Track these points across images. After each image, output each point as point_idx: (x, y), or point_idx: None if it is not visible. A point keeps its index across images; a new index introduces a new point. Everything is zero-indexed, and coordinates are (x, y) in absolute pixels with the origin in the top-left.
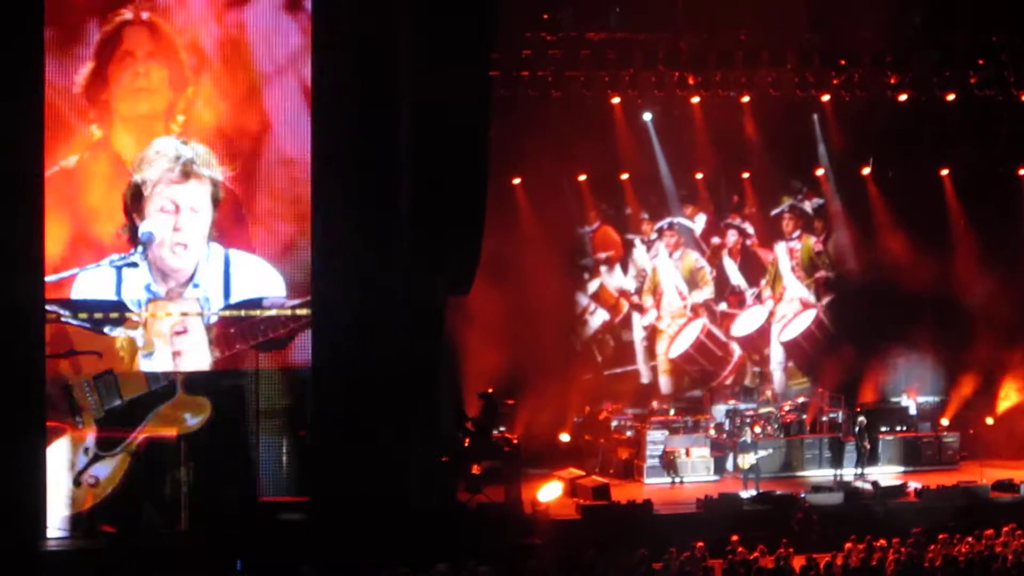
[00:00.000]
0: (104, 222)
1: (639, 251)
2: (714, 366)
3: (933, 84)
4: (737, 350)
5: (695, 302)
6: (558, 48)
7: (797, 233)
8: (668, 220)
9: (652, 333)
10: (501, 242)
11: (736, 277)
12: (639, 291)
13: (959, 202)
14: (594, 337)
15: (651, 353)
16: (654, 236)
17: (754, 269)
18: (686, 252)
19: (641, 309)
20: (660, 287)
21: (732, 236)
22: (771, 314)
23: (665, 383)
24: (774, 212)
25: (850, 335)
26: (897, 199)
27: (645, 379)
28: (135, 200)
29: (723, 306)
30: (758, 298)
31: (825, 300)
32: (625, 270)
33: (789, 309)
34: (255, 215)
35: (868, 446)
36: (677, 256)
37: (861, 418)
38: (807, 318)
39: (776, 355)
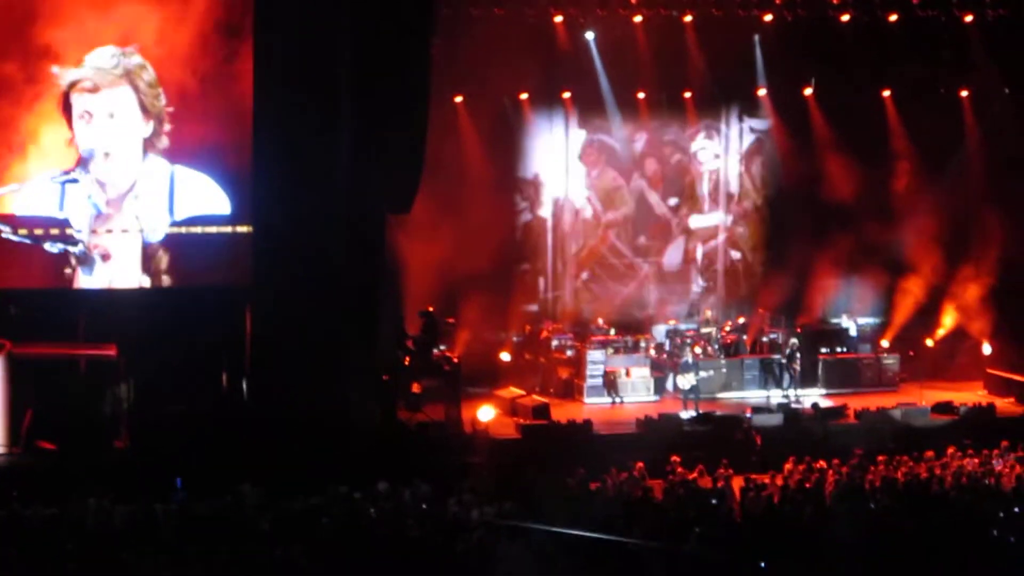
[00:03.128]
0: (49, 135)
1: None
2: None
3: (875, 4)
4: (644, 266)
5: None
6: None
7: (739, 154)
8: (591, 137)
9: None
10: (442, 160)
11: (659, 206)
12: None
13: (901, 123)
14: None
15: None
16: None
17: (684, 189)
18: (605, 170)
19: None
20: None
21: (675, 156)
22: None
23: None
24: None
25: (790, 256)
26: (839, 120)
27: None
28: (66, 110)
29: (641, 239)
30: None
31: (739, 227)
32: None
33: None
34: (199, 134)
35: (798, 368)
36: (595, 174)
37: (793, 340)
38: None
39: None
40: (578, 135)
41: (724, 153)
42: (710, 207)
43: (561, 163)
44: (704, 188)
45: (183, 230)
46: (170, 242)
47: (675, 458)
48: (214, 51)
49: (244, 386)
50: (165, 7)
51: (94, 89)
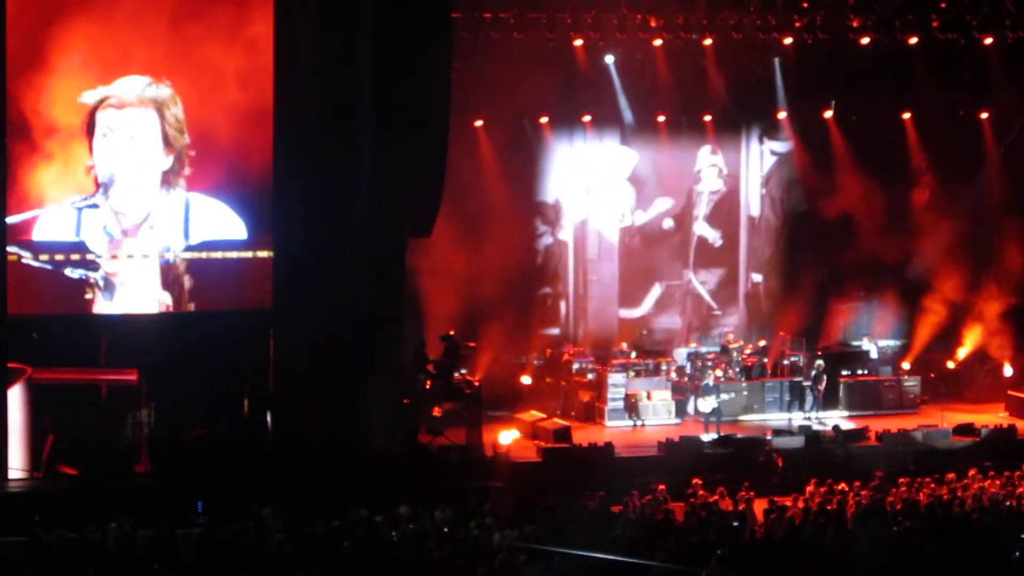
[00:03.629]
0: (70, 161)
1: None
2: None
3: (895, 27)
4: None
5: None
6: None
7: (759, 176)
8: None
9: None
10: (463, 184)
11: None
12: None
13: (921, 145)
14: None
15: None
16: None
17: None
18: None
19: None
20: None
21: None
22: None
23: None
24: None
25: (810, 278)
26: (859, 142)
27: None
28: (90, 131)
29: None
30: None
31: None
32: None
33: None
34: (216, 160)
35: (822, 390)
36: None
37: (819, 362)
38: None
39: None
40: (630, 156)
41: (745, 175)
42: (712, 224)
43: (581, 186)
44: (702, 206)
45: (202, 255)
46: (189, 267)
47: (696, 481)
48: (240, 85)
49: (265, 410)
50: (200, 46)
51: (120, 106)
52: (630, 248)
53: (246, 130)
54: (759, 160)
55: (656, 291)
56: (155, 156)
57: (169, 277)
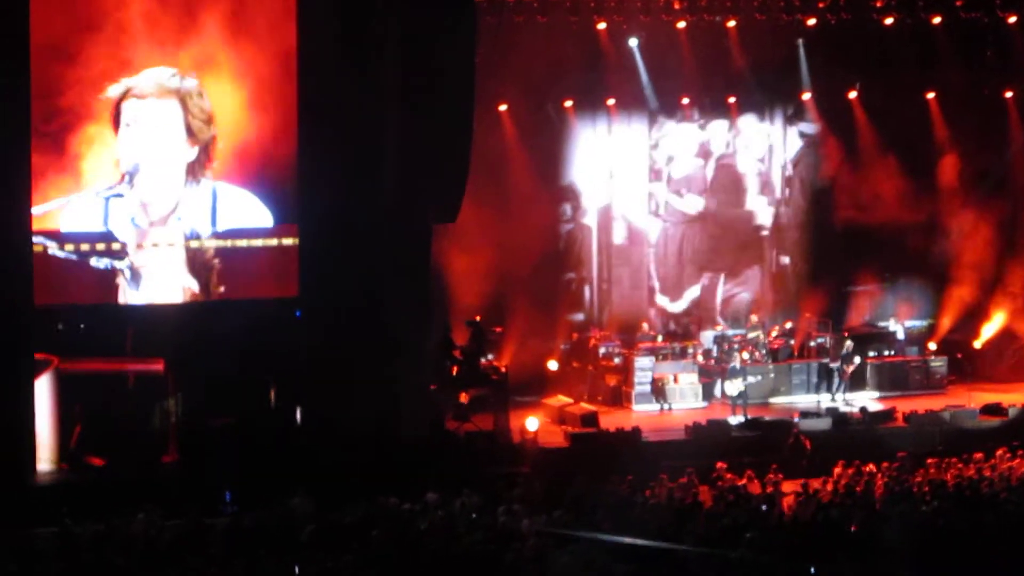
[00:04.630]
0: (96, 152)
1: None
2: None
3: (919, 7)
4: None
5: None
6: None
7: (784, 158)
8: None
9: None
10: (487, 169)
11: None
12: None
13: (945, 125)
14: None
15: None
16: None
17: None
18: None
19: None
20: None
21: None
22: None
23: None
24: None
25: (836, 260)
26: (883, 123)
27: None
28: (116, 121)
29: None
30: None
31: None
32: None
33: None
34: (243, 150)
35: (849, 372)
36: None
37: (848, 343)
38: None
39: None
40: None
41: (768, 157)
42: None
43: (605, 170)
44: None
45: (228, 243)
46: (216, 255)
47: (721, 465)
48: (268, 77)
49: (292, 398)
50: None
51: (141, 96)
52: (667, 235)
53: (271, 118)
54: (783, 142)
55: (703, 281)
56: (178, 147)
57: (196, 265)
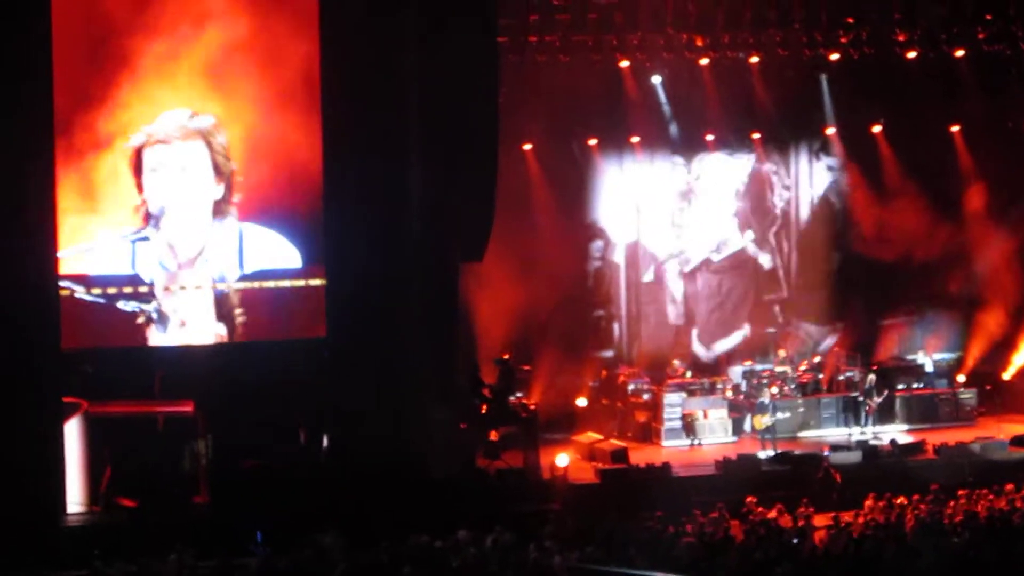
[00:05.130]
0: (120, 197)
1: None
2: None
3: (941, 40)
4: None
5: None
6: (565, 12)
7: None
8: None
9: None
10: (513, 208)
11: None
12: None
13: (970, 157)
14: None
15: None
16: None
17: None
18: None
19: None
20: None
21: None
22: None
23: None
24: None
25: (865, 294)
26: (908, 156)
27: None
28: (137, 169)
29: None
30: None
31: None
32: None
33: None
34: (267, 189)
35: (873, 406)
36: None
37: (871, 376)
38: None
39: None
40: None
41: (795, 191)
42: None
43: (632, 207)
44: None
45: (256, 285)
46: (243, 297)
47: (751, 499)
48: (286, 111)
49: (322, 438)
50: (243, 75)
51: (167, 140)
52: (707, 279)
53: (296, 157)
54: (809, 177)
55: (744, 331)
56: (207, 186)
57: (223, 308)
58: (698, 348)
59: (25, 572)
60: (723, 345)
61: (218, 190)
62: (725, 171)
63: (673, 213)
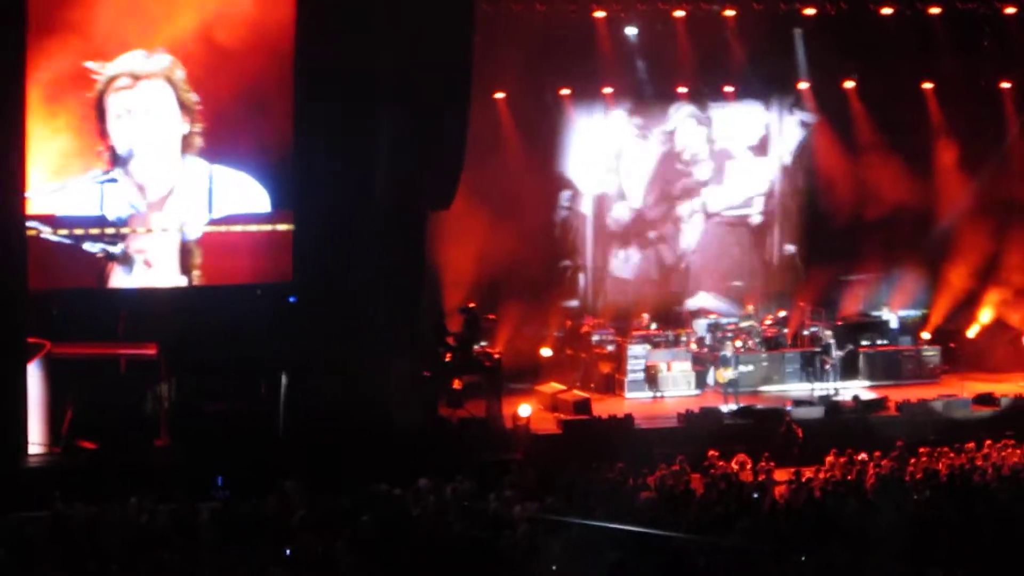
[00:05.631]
0: (85, 139)
1: None
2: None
3: None
4: None
5: None
6: None
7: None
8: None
9: None
10: (483, 157)
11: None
12: None
13: (942, 115)
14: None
15: None
16: None
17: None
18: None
19: None
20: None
21: None
22: None
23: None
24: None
25: (829, 249)
26: (880, 112)
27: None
28: (100, 114)
29: None
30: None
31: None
32: None
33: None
34: (238, 131)
35: (830, 362)
36: None
37: (827, 332)
38: None
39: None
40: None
41: (766, 145)
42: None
43: (602, 158)
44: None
45: (222, 228)
46: (209, 240)
47: (713, 453)
48: (251, 53)
49: (285, 384)
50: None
51: (131, 85)
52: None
53: (267, 101)
54: (779, 132)
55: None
56: (174, 123)
57: (190, 250)
58: (667, 301)
59: None
60: (693, 302)
61: (185, 125)
62: (699, 126)
63: (645, 166)
